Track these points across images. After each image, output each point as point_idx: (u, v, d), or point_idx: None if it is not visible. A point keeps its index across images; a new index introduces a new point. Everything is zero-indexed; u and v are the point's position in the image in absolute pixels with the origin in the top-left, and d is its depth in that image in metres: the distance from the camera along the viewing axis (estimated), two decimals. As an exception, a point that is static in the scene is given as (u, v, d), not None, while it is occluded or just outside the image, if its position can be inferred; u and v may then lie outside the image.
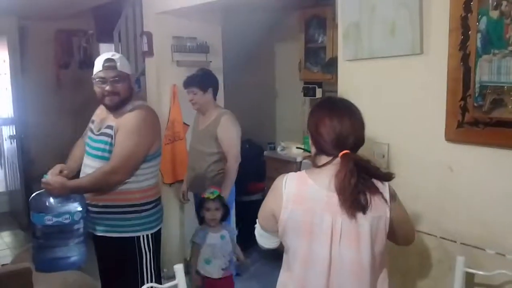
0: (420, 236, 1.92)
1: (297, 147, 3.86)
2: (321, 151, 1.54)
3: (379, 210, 1.46)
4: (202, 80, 3.14)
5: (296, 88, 4.31)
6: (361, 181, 1.43)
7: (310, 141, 1.60)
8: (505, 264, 1.65)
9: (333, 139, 1.48)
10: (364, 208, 1.43)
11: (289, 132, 4.45)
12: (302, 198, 1.49)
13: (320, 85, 4.03)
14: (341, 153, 1.46)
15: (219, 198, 2.85)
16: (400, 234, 1.56)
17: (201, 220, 2.94)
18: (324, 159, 1.52)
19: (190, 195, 3.47)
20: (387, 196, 1.48)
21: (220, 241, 2.85)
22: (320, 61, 3.99)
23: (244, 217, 3.77)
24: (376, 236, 1.47)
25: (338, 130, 1.48)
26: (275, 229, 1.56)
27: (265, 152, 4.20)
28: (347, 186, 1.41)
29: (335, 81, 2.34)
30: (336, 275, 1.46)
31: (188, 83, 3.16)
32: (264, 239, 1.67)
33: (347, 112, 1.53)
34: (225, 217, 2.90)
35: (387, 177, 1.50)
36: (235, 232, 3.03)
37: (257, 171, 4.19)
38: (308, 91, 4.10)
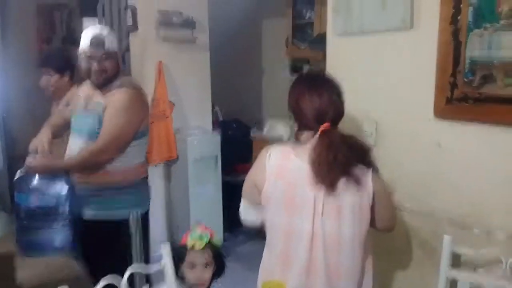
0: (406, 215, 1.91)
1: (283, 127, 3.81)
2: (302, 126, 1.55)
3: (362, 184, 1.46)
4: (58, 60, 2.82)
5: (283, 65, 4.25)
6: (340, 156, 1.42)
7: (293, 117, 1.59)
8: (492, 243, 1.63)
9: (313, 114, 1.49)
10: (343, 184, 1.44)
11: (276, 110, 4.39)
12: (285, 171, 1.50)
13: (307, 62, 3.97)
14: (320, 129, 1.47)
15: (212, 246, 1.70)
16: (380, 214, 1.54)
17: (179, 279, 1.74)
18: (306, 134, 1.53)
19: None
20: (368, 169, 1.48)
21: None
22: (308, 37, 3.93)
23: (230, 198, 3.75)
24: (360, 210, 1.48)
25: (317, 105, 1.49)
26: (258, 202, 1.57)
27: (251, 132, 4.15)
28: (322, 162, 1.42)
29: (323, 57, 2.29)
30: (319, 249, 1.47)
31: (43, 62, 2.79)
32: (247, 213, 1.67)
33: (326, 86, 1.54)
34: (219, 273, 1.74)
35: (369, 163, 1.50)
36: None
37: (244, 152, 4.15)
38: (295, 68, 4.05)
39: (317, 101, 1.49)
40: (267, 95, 4.71)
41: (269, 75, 4.66)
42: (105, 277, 1.38)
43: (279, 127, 3.90)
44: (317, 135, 1.47)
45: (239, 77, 4.82)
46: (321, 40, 3.43)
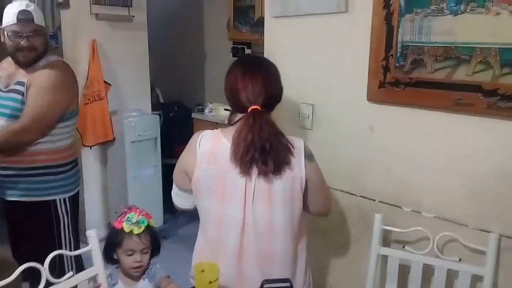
0: (341, 195, 1.95)
1: (225, 109, 3.79)
2: (235, 109, 1.52)
3: (294, 170, 1.45)
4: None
5: (225, 48, 4.20)
6: (259, 138, 1.39)
7: None
8: (420, 221, 1.70)
9: (245, 97, 1.45)
10: (262, 168, 1.41)
11: (218, 93, 4.34)
12: (216, 157, 1.46)
13: (249, 45, 3.95)
14: (249, 109, 1.44)
15: (150, 229, 1.67)
16: (314, 200, 1.54)
17: (113, 261, 1.70)
18: (238, 116, 1.50)
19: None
20: (302, 155, 1.47)
21: None
22: (249, 20, 3.90)
23: (170, 180, 3.66)
24: (292, 196, 1.46)
25: (249, 88, 1.45)
26: (189, 188, 1.53)
27: (192, 114, 4.10)
28: (240, 142, 1.40)
29: (263, 42, 2.28)
30: (250, 236, 1.46)
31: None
32: (179, 198, 1.65)
33: (261, 70, 1.51)
34: (154, 254, 1.72)
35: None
36: (161, 274, 1.69)
37: (185, 134, 4.09)
38: (237, 52, 4.01)
39: (249, 85, 1.45)
40: (209, 78, 4.65)
41: (211, 58, 4.60)
42: (26, 263, 1.32)
43: (221, 109, 3.87)
44: (244, 115, 1.45)
45: (181, 59, 4.72)
46: (262, 23, 3.41)
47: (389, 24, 1.67)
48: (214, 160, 1.46)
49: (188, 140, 1.57)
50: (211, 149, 1.48)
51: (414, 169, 1.73)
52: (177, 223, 3.85)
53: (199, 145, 1.48)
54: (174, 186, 1.64)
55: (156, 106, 4.09)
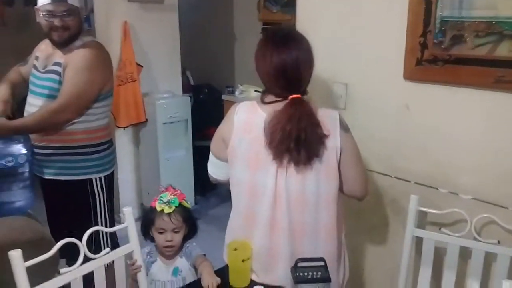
0: (375, 176, 1.92)
1: (255, 91, 3.77)
2: (268, 89, 1.52)
3: (329, 141, 1.45)
4: None
5: (255, 29, 4.16)
6: (299, 129, 1.40)
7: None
8: (457, 203, 1.66)
9: (282, 86, 1.46)
10: (294, 157, 1.42)
11: (248, 75, 4.33)
12: (251, 126, 1.49)
13: (279, 25, 3.90)
14: (290, 97, 1.45)
15: (182, 209, 1.70)
16: (348, 176, 1.52)
17: (151, 238, 1.76)
18: (271, 98, 1.50)
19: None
20: (337, 125, 1.47)
21: (171, 278, 1.71)
22: (280, 0, 3.86)
23: (202, 162, 3.67)
24: (326, 167, 1.46)
25: (288, 77, 1.45)
26: (225, 156, 1.55)
27: (223, 96, 4.10)
28: (276, 131, 1.41)
29: (295, 21, 2.24)
30: (282, 206, 1.46)
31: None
32: (214, 168, 1.66)
33: (291, 48, 1.47)
34: (191, 235, 1.76)
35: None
36: (197, 252, 1.73)
37: (215, 116, 4.09)
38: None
39: (288, 75, 1.45)
40: (239, 60, 4.63)
41: (241, 40, 4.56)
42: (64, 239, 1.35)
43: (251, 91, 3.86)
44: (286, 101, 1.45)
45: (210, 41, 4.71)
46: (293, 2, 3.36)
47: (427, -2, 1.62)
48: (249, 130, 1.49)
49: (219, 122, 1.60)
50: (246, 118, 1.50)
51: (452, 149, 1.68)
52: (208, 204, 3.89)
53: (237, 114, 1.51)
54: (210, 155, 1.66)
55: (186, 88, 4.10)
